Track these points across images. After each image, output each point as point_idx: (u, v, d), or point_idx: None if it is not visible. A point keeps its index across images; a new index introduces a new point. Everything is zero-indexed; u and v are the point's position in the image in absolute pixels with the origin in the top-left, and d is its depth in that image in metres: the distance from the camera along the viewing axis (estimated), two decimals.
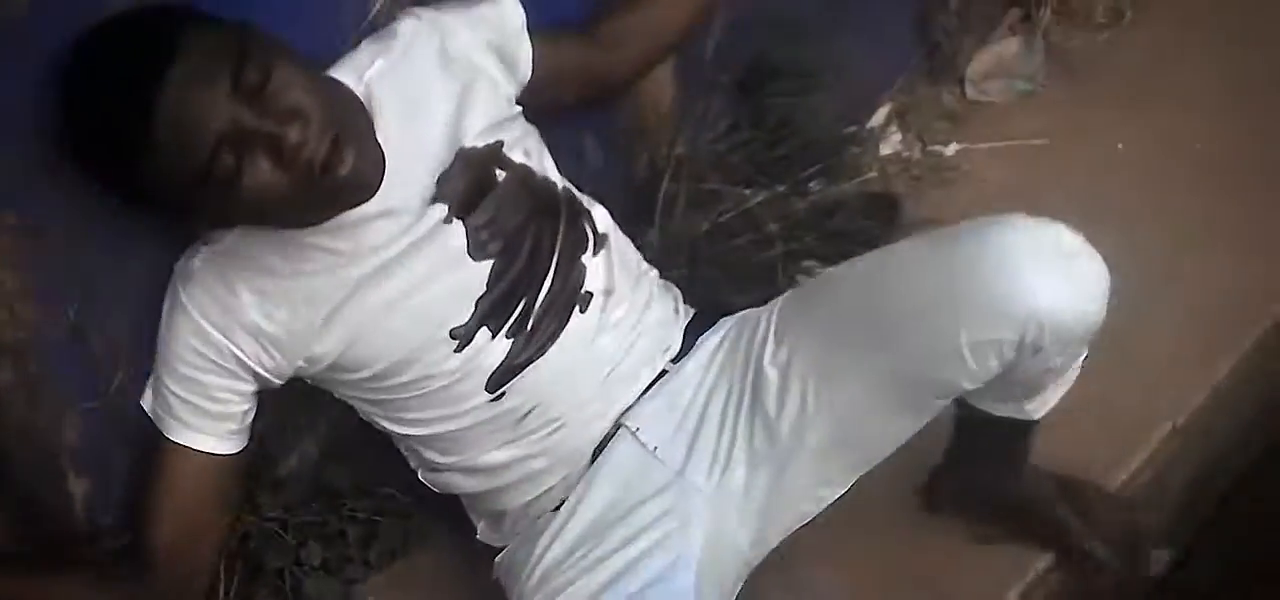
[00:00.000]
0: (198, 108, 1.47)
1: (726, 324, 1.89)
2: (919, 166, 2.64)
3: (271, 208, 1.57)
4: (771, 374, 1.76)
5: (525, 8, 1.84)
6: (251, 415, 1.76)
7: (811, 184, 2.44)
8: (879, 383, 1.70)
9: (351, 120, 1.61)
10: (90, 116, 1.51)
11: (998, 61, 2.85)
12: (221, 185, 1.50)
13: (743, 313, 1.89)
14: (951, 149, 2.68)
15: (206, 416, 1.71)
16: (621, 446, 1.80)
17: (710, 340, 1.87)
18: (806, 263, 2.27)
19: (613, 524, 1.76)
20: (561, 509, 1.80)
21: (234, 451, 1.75)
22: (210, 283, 1.68)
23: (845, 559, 1.89)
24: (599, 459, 1.81)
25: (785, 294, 1.86)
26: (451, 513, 1.94)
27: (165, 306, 1.71)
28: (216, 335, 1.68)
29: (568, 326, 1.77)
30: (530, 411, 1.77)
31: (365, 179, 1.60)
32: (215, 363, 1.69)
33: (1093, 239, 2.34)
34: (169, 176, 1.50)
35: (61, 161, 1.55)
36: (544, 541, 1.78)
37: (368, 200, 1.63)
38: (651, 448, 1.79)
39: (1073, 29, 2.94)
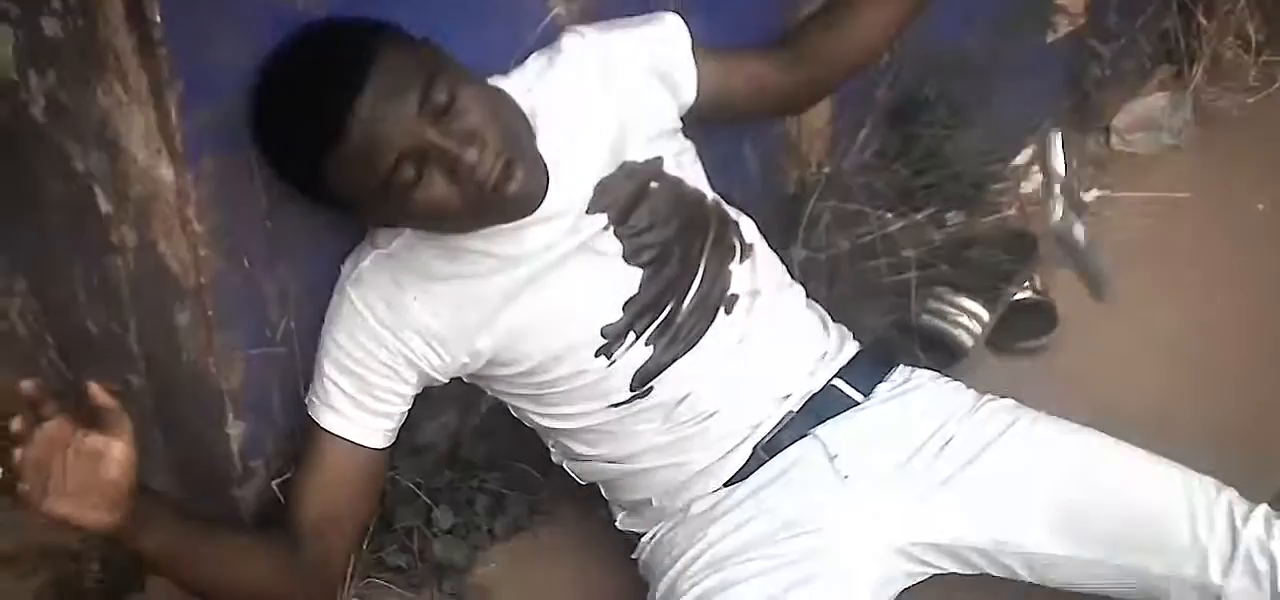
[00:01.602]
0: (388, 122, 1.58)
1: (942, 383, 1.99)
2: None
3: (442, 219, 1.68)
4: (1007, 494, 1.86)
5: (711, 21, 1.92)
6: (405, 416, 1.86)
7: (951, 215, 2.50)
8: (1111, 577, 1.85)
9: (523, 140, 1.70)
10: (286, 114, 1.62)
11: (1145, 114, 2.89)
12: (399, 194, 1.62)
13: (956, 383, 1.99)
14: (1092, 194, 2.71)
15: (365, 411, 1.81)
16: (815, 465, 1.87)
17: (927, 390, 1.96)
18: (939, 288, 2.32)
19: (795, 535, 1.83)
20: (741, 504, 1.86)
21: (384, 447, 1.85)
22: (381, 284, 1.78)
23: None
24: (786, 465, 1.87)
25: (1033, 415, 1.94)
26: (578, 494, 2.03)
27: (332, 305, 1.82)
28: (386, 335, 1.78)
29: (713, 325, 1.85)
30: (682, 400, 1.85)
31: (531, 196, 1.69)
32: (383, 363, 1.79)
33: (1223, 298, 2.41)
34: (352, 181, 1.61)
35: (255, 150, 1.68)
36: (720, 528, 1.85)
37: (532, 213, 1.71)
38: (844, 475, 1.86)
39: (1223, 90, 2.96)
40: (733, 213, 1.97)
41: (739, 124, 2.02)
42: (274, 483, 1.92)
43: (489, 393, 1.94)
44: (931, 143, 2.49)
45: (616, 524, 1.99)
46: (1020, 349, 2.41)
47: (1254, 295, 2.48)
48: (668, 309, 1.84)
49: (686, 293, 1.85)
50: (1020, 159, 2.73)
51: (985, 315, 2.34)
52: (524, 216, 1.71)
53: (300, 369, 1.86)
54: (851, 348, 1.99)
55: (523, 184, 1.66)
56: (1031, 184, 2.71)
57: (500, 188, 1.64)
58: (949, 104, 2.52)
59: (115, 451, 1.56)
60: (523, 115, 1.73)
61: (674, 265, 1.85)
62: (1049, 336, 2.42)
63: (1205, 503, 1.82)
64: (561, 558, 2.07)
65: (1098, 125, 2.86)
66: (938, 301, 2.34)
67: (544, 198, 1.70)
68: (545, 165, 1.70)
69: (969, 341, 2.32)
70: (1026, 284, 2.42)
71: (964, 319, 2.33)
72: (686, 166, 1.90)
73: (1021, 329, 2.40)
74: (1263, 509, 1.83)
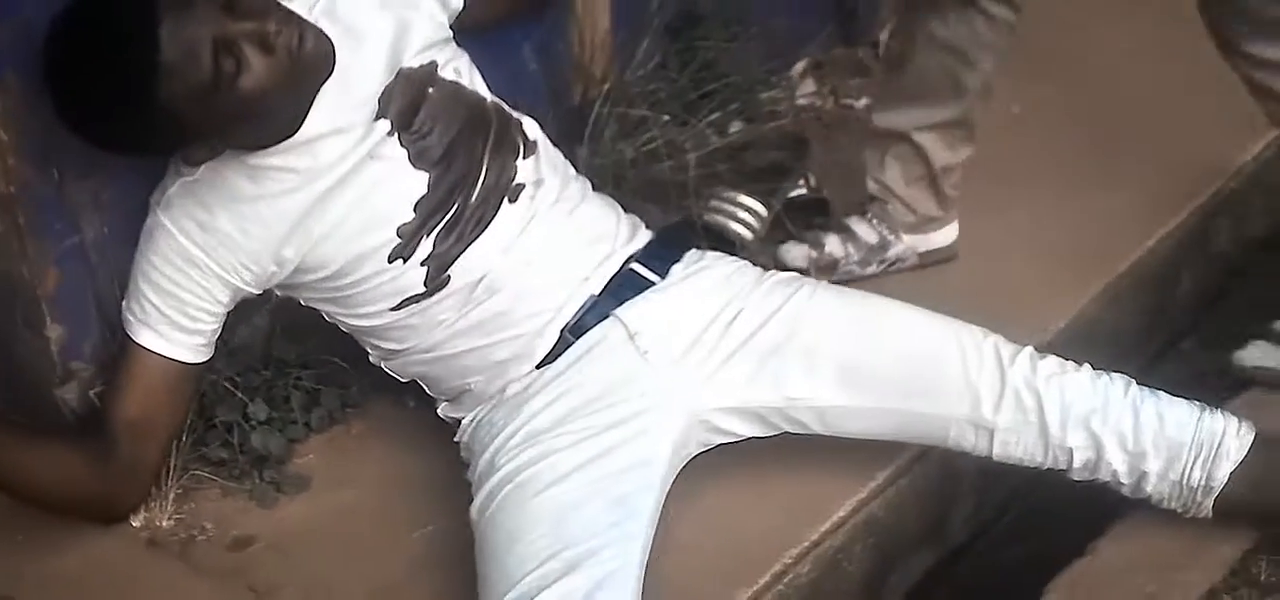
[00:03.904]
0: (192, 26, 1.74)
1: (730, 261, 2.14)
2: (830, 116, 2.88)
3: (269, 97, 1.81)
4: (794, 355, 2.00)
5: None
6: (217, 333, 1.99)
7: (731, 123, 2.68)
8: (895, 422, 2.02)
9: (299, 15, 1.87)
10: (100, 66, 1.74)
11: None
12: (228, 89, 1.76)
13: (743, 261, 2.15)
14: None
15: (180, 329, 1.94)
16: (618, 343, 2.01)
17: (716, 269, 2.11)
18: (719, 188, 2.50)
19: (601, 409, 1.96)
20: (551, 383, 1.99)
21: (198, 361, 1.98)
22: (189, 207, 1.91)
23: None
24: (592, 344, 2.01)
25: (814, 284, 2.11)
26: (387, 386, 2.16)
27: (145, 229, 1.94)
28: (199, 254, 1.91)
29: (500, 213, 2.00)
30: (479, 282, 1.98)
31: (326, 55, 1.87)
32: (197, 281, 1.92)
33: (976, 192, 2.62)
34: (185, 91, 1.75)
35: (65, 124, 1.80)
36: (533, 406, 1.97)
37: (331, 73, 1.87)
38: (644, 351, 2.01)
39: None
40: (514, 113, 2.11)
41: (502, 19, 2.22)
42: (91, 392, 2.02)
43: (301, 302, 2.06)
44: (709, 55, 2.68)
45: (438, 412, 2.11)
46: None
47: (1005, 188, 2.68)
48: (456, 206, 1.98)
49: (474, 189, 1.99)
50: (795, 71, 2.92)
51: (763, 210, 2.52)
52: (326, 77, 1.87)
53: (116, 273, 1.97)
54: (645, 235, 2.15)
55: (316, 43, 1.84)
56: (806, 95, 2.92)
57: (300, 49, 1.81)
58: (725, 18, 2.71)
59: None
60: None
61: (460, 164, 1.99)
62: None
63: (974, 347, 2.00)
64: (373, 445, 2.20)
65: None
66: (718, 200, 2.50)
67: (334, 60, 1.86)
68: (325, 34, 1.86)
69: (749, 235, 2.49)
70: (800, 181, 2.60)
71: (743, 214, 2.50)
72: (463, 72, 2.05)
73: (798, 222, 2.58)
74: (1027, 350, 2.01)
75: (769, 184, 2.56)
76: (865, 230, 2.47)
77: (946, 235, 2.51)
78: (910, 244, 2.48)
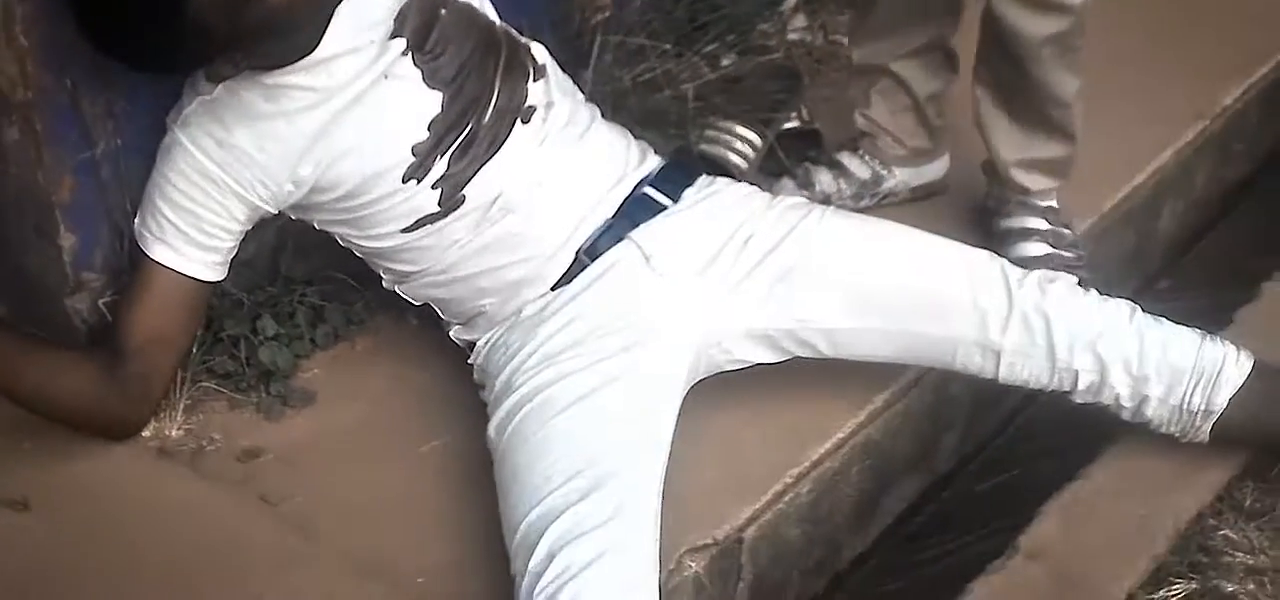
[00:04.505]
0: None
1: (740, 186, 2.17)
2: (820, 52, 2.91)
3: (295, 10, 1.84)
4: (804, 277, 2.03)
5: None
6: (233, 252, 2.00)
7: (724, 56, 2.71)
8: (903, 344, 2.05)
9: None
10: None
11: None
12: (254, 1, 1.78)
13: (752, 187, 2.18)
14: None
15: (195, 246, 1.96)
16: (632, 265, 2.03)
17: (728, 193, 2.14)
18: (715, 118, 2.53)
19: (616, 330, 1.98)
20: (567, 305, 2.01)
21: (212, 280, 2.00)
22: (207, 125, 1.93)
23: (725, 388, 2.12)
24: (607, 266, 2.03)
25: (823, 209, 2.14)
26: (390, 304, 2.19)
27: (162, 148, 1.95)
28: (215, 169, 1.93)
29: (512, 134, 2.02)
30: (494, 202, 2.00)
31: None
32: (215, 198, 1.94)
33: (969, 124, 2.64)
34: (211, 4, 1.75)
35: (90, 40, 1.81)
36: (548, 328, 1.99)
37: None
38: (659, 273, 2.03)
39: None
40: (524, 39, 2.13)
41: None
42: (102, 302, 2.03)
43: (315, 226, 2.07)
44: None
45: (450, 335, 2.13)
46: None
47: None
48: (470, 126, 2.00)
49: (486, 109, 2.01)
50: (787, 6, 2.95)
51: (758, 141, 2.54)
52: None
53: (127, 184, 1.98)
54: (655, 159, 2.17)
55: None
56: (797, 31, 2.95)
57: None
58: None
59: None
60: None
61: (472, 86, 2.00)
62: None
63: (982, 270, 2.04)
64: (378, 361, 2.23)
65: None
66: (714, 129, 2.53)
67: None
68: None
69: (744, 164, 2.52)
70: (794, 114, 2.63)
71: (739, 144, 2.52)
72: None
73: (791, 153, 2.62)
74: (1035, 273, 2.05)
75: (763, 115, 2.58)
76: (856, 165, 2.51)
77: (937, 168, 2.55)
78: (902, 178, 2.52)
